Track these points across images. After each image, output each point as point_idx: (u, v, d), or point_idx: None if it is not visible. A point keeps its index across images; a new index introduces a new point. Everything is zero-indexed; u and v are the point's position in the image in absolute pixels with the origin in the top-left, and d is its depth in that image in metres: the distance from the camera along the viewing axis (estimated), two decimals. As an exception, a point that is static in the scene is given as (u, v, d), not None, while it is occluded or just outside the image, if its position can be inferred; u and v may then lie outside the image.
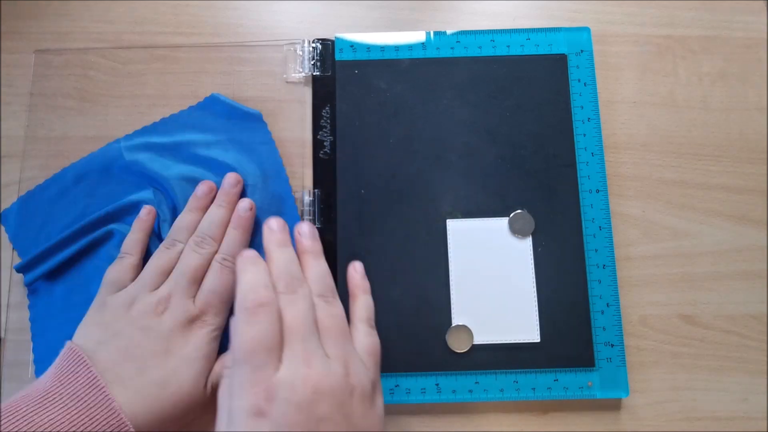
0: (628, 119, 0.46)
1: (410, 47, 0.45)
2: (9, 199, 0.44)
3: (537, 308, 0.41)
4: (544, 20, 0.47)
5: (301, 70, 0.45)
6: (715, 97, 0.46)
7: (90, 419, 0.31)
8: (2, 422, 0.30)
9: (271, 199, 0.42)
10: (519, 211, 0.42)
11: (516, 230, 0.42)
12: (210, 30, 0.47)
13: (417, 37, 0.46)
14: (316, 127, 0.44)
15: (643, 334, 0.42)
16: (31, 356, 0.41)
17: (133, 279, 0.38)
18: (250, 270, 0.34)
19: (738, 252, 0.43)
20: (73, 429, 0.30)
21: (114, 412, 0.32)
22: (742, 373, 0.41)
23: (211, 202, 0.41)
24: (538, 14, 0.48)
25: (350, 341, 0.34)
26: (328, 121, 0.44)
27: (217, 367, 0.36)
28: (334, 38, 0.46)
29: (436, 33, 0.46)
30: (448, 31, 0.46)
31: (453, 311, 0.41)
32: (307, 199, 0.43)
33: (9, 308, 0.42)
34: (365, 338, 0.36)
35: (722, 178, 0.45)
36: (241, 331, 0.32)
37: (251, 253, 0.36)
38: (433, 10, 0.48)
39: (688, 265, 0.43)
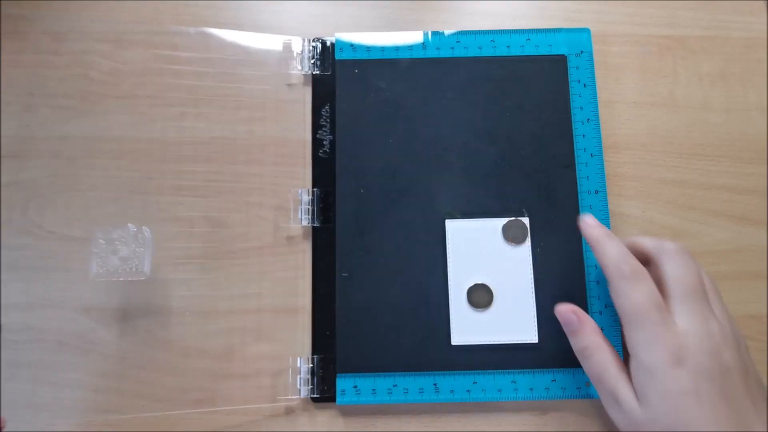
0: (628, 119, 0.46)
1: (410, 47, 0.45)
2: (9, 199, 0.44)
3: (535, 309, 0.41)
4: (543, 20, 0.47)
5: (300, 69, 0.46)
6: (715, 97, 0.46)
7: None
8: None
9: None
10: (512, 218, 0.42)
11: (509, 238, 0.42)
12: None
13: (417, 37, 0.46)
14: (316, 126, 0.45)
15: (643, 334, 0.42)
16: (33, 356, 0.41)
17: None
18: (610, 243, 0.36)
19: (738, 252, 0.43)
20: None
21: None
22: (742, 373, 0.41)
23: None
24: (538, 14, 0.48)
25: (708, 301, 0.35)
26: (328, 120, 0.44)
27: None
28: (334, 37, 0.46)
29: (436, 33, 0.46)
30: (447, 32, 0.46)
31: (451, 311, 0.41)
32: (306, 197, 0.43)
33: (9, 308, 0.42)
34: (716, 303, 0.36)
35: (722, 178, 0.45)
36: (628, 295, 0.35)
37: (599, 227, 0.38)
38: (433, 10, 0.48)
39: (688, 265, 0.43)
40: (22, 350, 0.41)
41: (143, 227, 0.41)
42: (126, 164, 0.44)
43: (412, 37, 0.46)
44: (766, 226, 0.44)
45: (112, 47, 0.46)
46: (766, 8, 0.48)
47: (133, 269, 0.40)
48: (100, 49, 0.46)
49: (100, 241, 0.40)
